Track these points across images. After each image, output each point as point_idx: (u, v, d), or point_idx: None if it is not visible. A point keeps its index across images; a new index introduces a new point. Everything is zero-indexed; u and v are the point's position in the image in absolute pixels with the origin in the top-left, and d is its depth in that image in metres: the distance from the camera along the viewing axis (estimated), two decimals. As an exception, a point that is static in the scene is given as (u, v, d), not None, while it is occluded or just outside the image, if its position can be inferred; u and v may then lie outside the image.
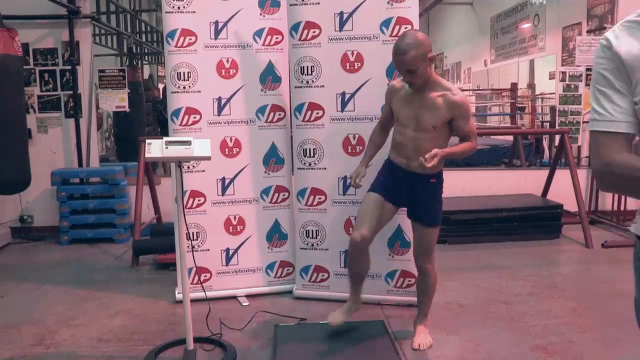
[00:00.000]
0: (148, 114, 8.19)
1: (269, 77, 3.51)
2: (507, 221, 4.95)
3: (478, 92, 13.99)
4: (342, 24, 3.21)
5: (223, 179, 3.54)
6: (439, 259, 4.36)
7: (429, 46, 2.51)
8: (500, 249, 4.66)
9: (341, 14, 3.20)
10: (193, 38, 3.39)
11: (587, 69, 5.46)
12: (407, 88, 2.64)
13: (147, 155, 2.49)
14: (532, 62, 11.75)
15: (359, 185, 2.80)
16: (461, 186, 5.48)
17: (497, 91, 12.31)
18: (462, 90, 15.29)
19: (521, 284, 3.79)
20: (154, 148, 2.47)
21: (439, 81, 2.64)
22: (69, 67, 5.30)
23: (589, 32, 7.12)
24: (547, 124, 8.92)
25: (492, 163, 8.08)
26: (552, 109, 6.82)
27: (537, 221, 5.00)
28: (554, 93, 7.06)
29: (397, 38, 3.09)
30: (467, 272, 4.07)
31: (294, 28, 3.29)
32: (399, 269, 3.37)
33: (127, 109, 5.41)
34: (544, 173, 5.41)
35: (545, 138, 8.17)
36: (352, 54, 3.23)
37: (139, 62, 9.43)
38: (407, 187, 2.70)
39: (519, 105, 10.60)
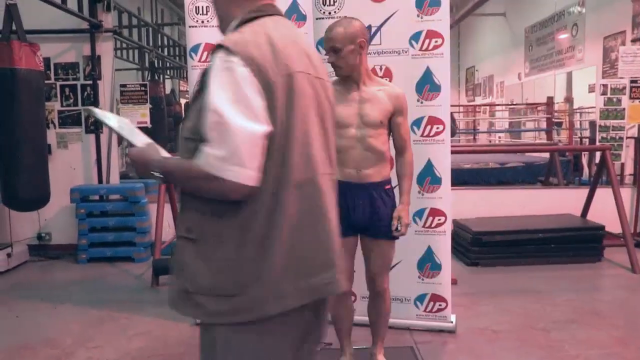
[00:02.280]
0: (170, 130, 8.39)
1: None
2: (544, 243, 4.90)
3: (512, 106, 13.90)
4: (370, 38, 3.25)
5: None
6: (471, 282, 4.38)
7: (363, 32, 2.52)
8: (536, 273, 4.60)
9: (369, 27, 3.24)
10: None
11: (632, 81, 5.40)
12: (337, 86, 2.53)
13: None
14: (569, 75, 11.64)
15: None
16: (493, 206, 5.45)
17: (532, 106, 12.22)
18: (495, 105, 15.24)
19: (560, 310, 3.73)
20: None
21: (375, 77, 2.67)
22: (90, 82, 5.47)
23: (633, 41, 7.04)
24: (587, 140, 8.81)
25: (527, 181, 8.01)
26: (592, 124, 6.76)
27: (576, 243, 4.93)
28: (593, 107, 6.99)
29: (426, 52, 3.22)
30: (500, 296, 4.03)
31: (319, 43, 3.32)
32: (429, 293, 3.36)
33: (148, 125, 5.47)
34: (584, 192, 5.35)
35: (584, 155, 8.07)
36: (381, 68, 3.27)
37: (161, 76, 9.75)
38: (362, 206, 2.55)
39: (555, 120, 10.51)
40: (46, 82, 5.14)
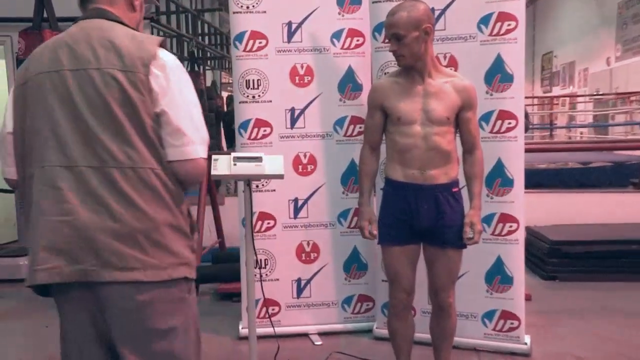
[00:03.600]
0: (211, 125, 8.57)
1: (349, 84, 3.61)
2: (637, 256, 4.73)
3: (597, 97, 13.45)
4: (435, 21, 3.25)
5: (295, 200, 3.64)
6: (547, 298, 4.30)
7: (428, 16, 2.52)
8: (627, 291, 4.46)
9: (432, 10, 3.22)
10: (264, 41, 3.53)
11: None
12: (398, 78, 2.60)
13: (212, 172, 2.54)
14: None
15: (375, 236, 2.71)
16: (574, 212, 5.34)
17: (624, 95, 11.78)
18: (576, 95, 14.78)
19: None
20: (221, 164, 2.54)
21: (442, 68, 2.67)
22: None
23: None
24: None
25: (617, 184, 7.75)
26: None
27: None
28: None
29: (497, 37, 3.18)
30: (583, 316, 3.94)
31: (377, 29, 3.35)
32: (498, 309, 3.33)
33: None
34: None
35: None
36: (445, 57, 3.27)
37: (201, 67, 9.92)
38: (426, 210, 2.57)
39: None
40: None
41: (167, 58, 1.68)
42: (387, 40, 2.59)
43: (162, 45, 1.71)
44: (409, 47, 2.49)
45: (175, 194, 1.67)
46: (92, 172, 1.59)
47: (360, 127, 3.53)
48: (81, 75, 1.61)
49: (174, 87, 1.65)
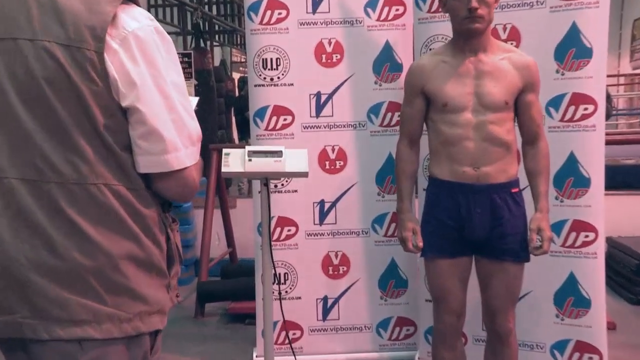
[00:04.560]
0: (220, 113, 8.45)
1: (386, 64, 3.58)
2: None
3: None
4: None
5: (322, 203, 3.64)
6: (637, 328, 4.19)
7: None
8: None
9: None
10: (284, 12, 3.52)
11: None
12: (443, 55, 2.61)
13: (223, 169, 2.57)
14: None
15: (420, 248, 2.69)
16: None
17: None
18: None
19: None
20: (233, 160, 2.56)
21: (496, 42, 2.67)
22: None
23: None
24: None
25: None
26: None
27: None
28: None
29: (572, 2, 3.11)
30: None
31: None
32: (572, 339, 3.29)
33: (194, 107, 5.56)
34: None
35: None
36: (505, 29, 3.25)
37: (208, 43, 9.80)
38: (480, 216, 2.57)
39: None
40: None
41: (135, 24, 1.39)
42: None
43: (131, 2, 1.44)
44: (491, 6, 2.49)
45: (145, 217, 1.45)
46: (24, 187, 1.36)
47: (398, 116, 3.40)
48: (8, 47, 1.35)
49: (145, 70, 1.38)
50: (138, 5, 1.47)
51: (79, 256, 1.36)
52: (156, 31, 1.44)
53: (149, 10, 6.78)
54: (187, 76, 5.77)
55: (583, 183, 3.23)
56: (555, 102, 3.21)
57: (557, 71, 3.20)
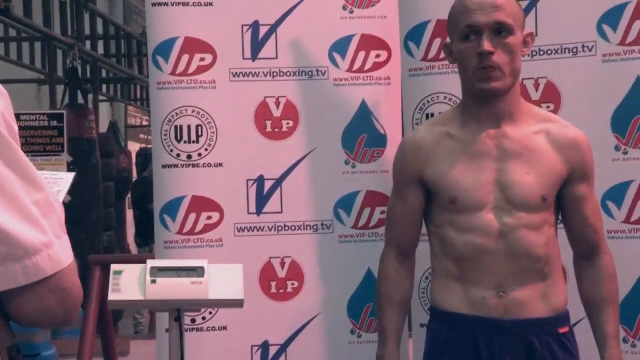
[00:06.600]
0: (108, 205, 7.54)
1: (362, 135, 3.07)
2: None
3: None
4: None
5: (264, 347, 3.01)
6: None
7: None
8: None
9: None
10: (208, 57, 3.00)
11: None
12: (450, 127, 2.23)
13: (111, 296, 2.29)
14: None
15: None
16: None
17: None
18: None
19: None
20: (127, 281, 2.30)
21: (528, 105, 2.32)
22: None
23: None
24: None
25: None
26: None
27: None
28: None
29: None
30: None
31: (411, 35, 2.89)
32: None
33: (65, 197, 4.93)
34: None
35: None
36: (536, 84, 2.82)
37: (91, 97, 8.62)
38: None
39: None
40: None
41: None
42: (467, 37, 2.12)
43: None
44: (514, 51, 2.09)
45: None
46: None
47: (382, 213, 2.98)
48: None
49: None
50: None
51: None
52: None
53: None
54: (56, 148, 5.13)
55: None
56: (616, 194, 2.70)
57: (617, 148, 2.71)
